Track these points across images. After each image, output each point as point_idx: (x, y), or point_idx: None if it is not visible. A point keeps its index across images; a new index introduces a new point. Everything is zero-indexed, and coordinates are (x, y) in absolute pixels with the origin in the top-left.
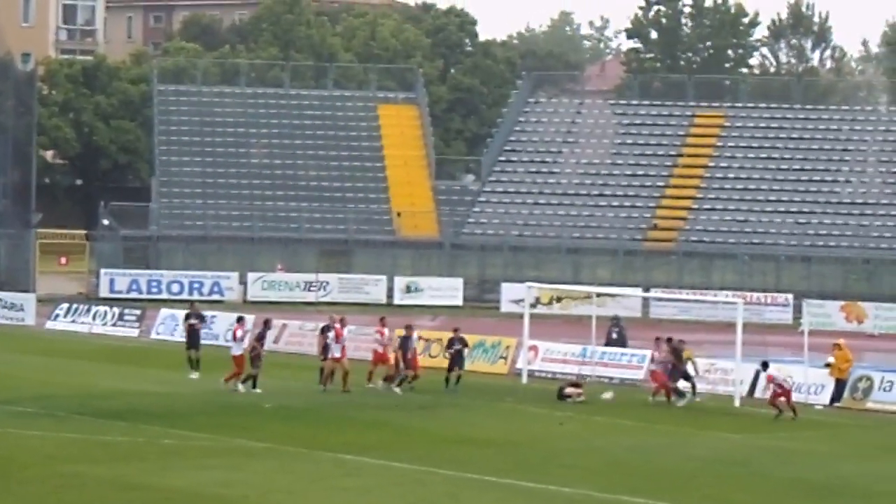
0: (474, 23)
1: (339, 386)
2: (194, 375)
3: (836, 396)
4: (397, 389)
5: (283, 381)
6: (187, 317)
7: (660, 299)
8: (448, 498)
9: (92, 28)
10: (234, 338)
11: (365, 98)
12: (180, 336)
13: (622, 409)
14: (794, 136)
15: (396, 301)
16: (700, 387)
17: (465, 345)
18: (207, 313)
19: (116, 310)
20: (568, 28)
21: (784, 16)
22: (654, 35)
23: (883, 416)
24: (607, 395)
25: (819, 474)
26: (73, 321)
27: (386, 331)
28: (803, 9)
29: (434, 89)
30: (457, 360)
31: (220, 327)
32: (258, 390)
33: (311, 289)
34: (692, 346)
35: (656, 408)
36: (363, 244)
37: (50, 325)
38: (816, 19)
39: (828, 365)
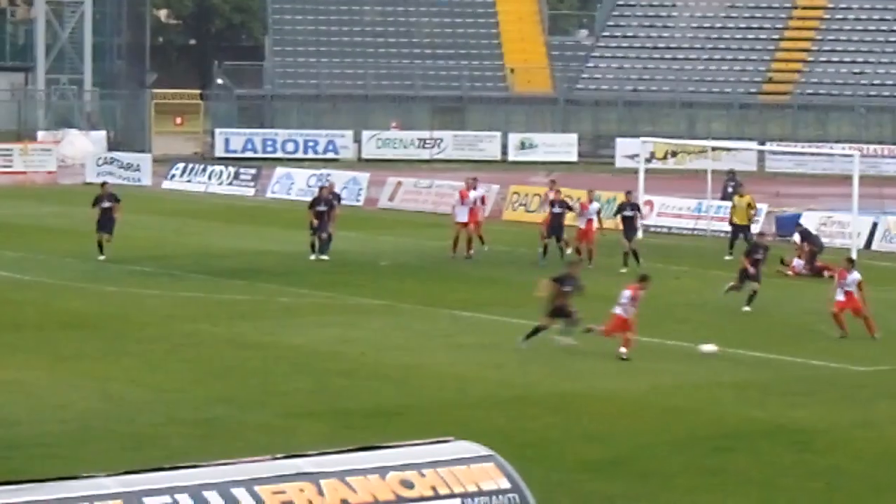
0: None
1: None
2: (102, 258)
3: None
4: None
5: (397, 238)
6: (98, 200)
7: (775, 153)
8: (564, 352)
9: None
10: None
11: None
12: (296, 195)
13: (737, 264)
14: None
15: (511, 158)
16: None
17: (638, 210)
18: (324, 171)
19: (232, 169)
20: None
21: None
22: None
23: None
24: (709, 348)
25: None
26: (188, 181)
27: (472, 193)
28: None
29: None
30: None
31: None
32: (324, 256)
33: (426, 146)
34: (808, 199)
35: (772, 262)
36: (477, 101)
37: (166, 184)
38: None
39: None
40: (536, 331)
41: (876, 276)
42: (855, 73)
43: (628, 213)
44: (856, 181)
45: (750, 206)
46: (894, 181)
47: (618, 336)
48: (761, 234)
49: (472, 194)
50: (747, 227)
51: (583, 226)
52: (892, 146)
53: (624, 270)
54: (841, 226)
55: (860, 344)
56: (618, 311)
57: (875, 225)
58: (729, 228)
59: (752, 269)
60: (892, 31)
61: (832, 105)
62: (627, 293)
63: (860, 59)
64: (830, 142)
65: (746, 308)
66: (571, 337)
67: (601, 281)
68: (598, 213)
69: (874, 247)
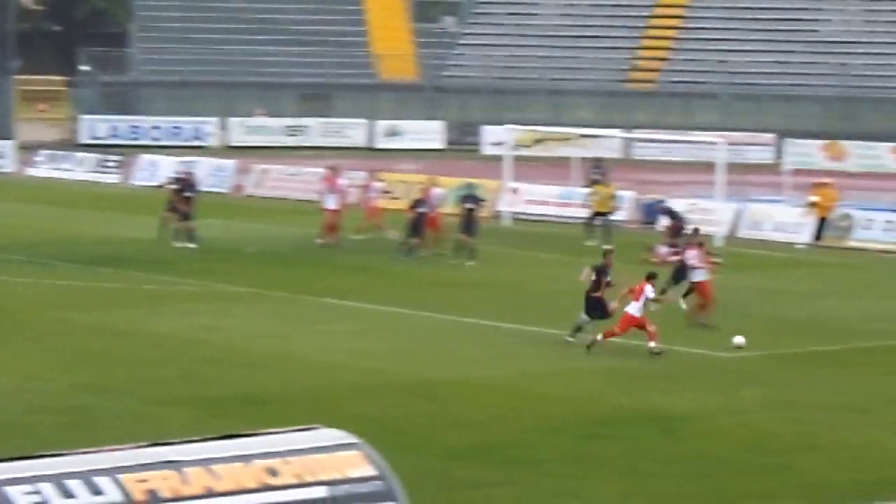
0: None
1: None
2: None
3: (818, 235)
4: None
5: (264, 225)
6: None
7: (641, 140)
8: (433, 340)
9: None
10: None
11: None
12: (162, 182)
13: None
14: None
15: (377, 145)
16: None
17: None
18: (191, 159)
19: (97, 156)
20: None
21: None
22: None
23: (863, 254)
24: (739, 340)
25: (800, 312)
26: (54, 168)
27: (436, 190)
28: None
29: None
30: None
31: (201, 173)
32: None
33: (292, 133)
34: (673, 186)
35: (637, 250)
36: (343, 88)
37: (31, 171)
38: None
39: (812, 204)
40: (579, 328)
41: (740, 262)
42: (719, 61)
43: (469, 204)
44: (721, 168)
45: (612, 196)
46: (759, 168)
47: (618, 334)
48: (695, 230)
49: (340, 182)
50: (607, 215)
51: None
52: (756, 133)
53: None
54: (706, 213)
55: (727, 331)
56: (630, 310)
57: (740, 212)
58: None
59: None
60: (757, 18)
61: (697, 92)
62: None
63: (725, 47)
64: (696, 129)
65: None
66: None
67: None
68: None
69: (739, 234)
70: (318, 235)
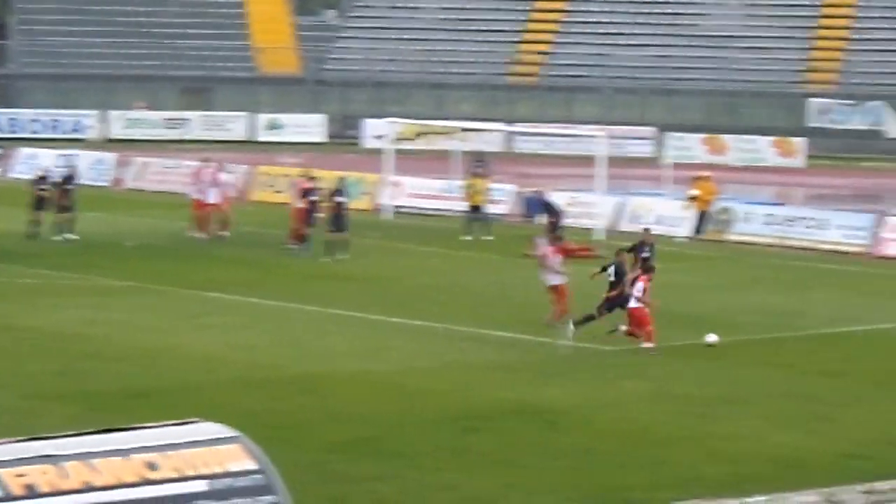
0: None
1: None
2: None
3: (699, 228)
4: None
5: (144, 218)
6: None
7: (523, 134)
8: (314, 333)
9: None
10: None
11: None
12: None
13: (488, 245)
14: None
15: (259, 138)
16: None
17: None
18: (70, 152)
19: None
20: None
21: None
22: None
23: (743, 247)
24: (712, 338)
25: (680, 306)
26: None
27: (223, 175)
28: None
29: None
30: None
31: (81, 166)
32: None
33: (173, 126)
34: (555, 179)
35: (518, 243)
36: (224, 81)
37: None
38: None
39: (692, 198)
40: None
41: None
42: (601, 55)
43: (339, 198)
44: (601, 162)
45: (486, 189)
46: (640, 162)
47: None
48: (646, 230)
49: (223, 176)
50: (481, 208)
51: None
52: (637, 127)
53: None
54: (587, 206)
55: (606, 324)
56: (636, 305)
57: (621, 205)
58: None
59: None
60: (638, 12)
61: (579, 86)
62: (640, 285)
63: (606, 41)
64: (577, 123)
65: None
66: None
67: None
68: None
69: (620, 227)
70: (190, 228)
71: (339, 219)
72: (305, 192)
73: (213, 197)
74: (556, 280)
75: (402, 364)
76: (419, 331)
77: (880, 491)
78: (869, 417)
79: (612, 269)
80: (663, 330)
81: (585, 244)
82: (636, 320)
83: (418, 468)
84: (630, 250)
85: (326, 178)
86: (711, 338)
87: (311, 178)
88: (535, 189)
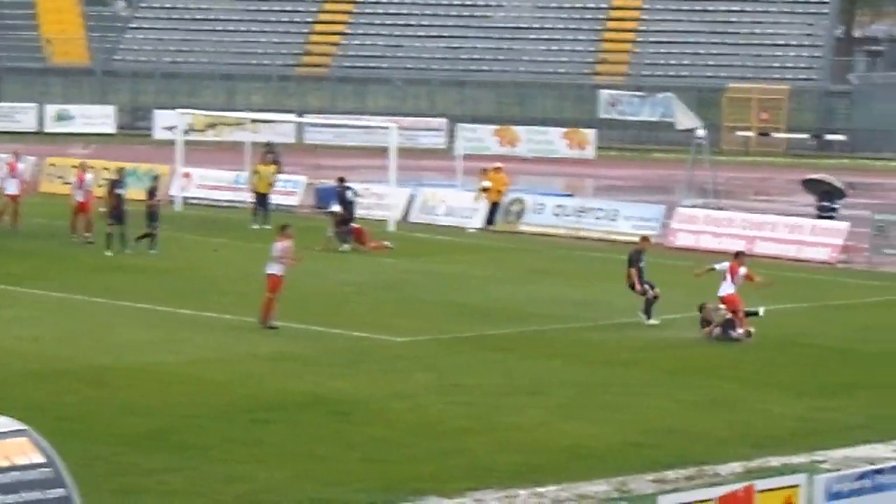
0: None
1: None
2: None
3: (490, 219)
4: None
5: None
6: None
7: (314, 125)
8: (104, 326)
9: None
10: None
11: None
12: None
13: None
14: None
15: (47, 129)
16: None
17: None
18: None
19: None
20: None
21: None
22: None
23: (535, 238)
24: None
25: (472, 297)
26: None
27: (88, 176)
28: None
29: None
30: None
31: None
32: None
33: None
34: (347, 171)
35: (309, 232)
36: (12, 72)
37: None
38: None
39: (484, 189)
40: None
41: (413, 247)
42: (392, 46)
43: (119, 190)
44: (393, 153)
45: (271, 177)
46: (432, 154)
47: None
48: (644, 238)
49: (20, 167)
50: (267, 196)
51: (81, 199)
52: (428, 119)
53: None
54: (379, 197)
55: (399, 315)
56: (732, 290)
57: (412, 196)
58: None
59: (637, 283)
60: (429, 4)
61: (370, 78)
62: (742, 270)
63: (397, 33)
64: (369, 114)
65: (653, 321)
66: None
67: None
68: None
69: (411, 218)
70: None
71: (118, 211)
72: (113, 185)
73: (11, 188)
74: (273, 269)
75: (193, 356)
76: (209, 322)
77: (671, 480)
78: (659, 406)
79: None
80: (452, 321)
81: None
82: (736, 304)
83: (209, 460)
84: (630, 264)
85: (111, 168)
86: (761, 310)
87: (88, 168)
88: (326, 181)
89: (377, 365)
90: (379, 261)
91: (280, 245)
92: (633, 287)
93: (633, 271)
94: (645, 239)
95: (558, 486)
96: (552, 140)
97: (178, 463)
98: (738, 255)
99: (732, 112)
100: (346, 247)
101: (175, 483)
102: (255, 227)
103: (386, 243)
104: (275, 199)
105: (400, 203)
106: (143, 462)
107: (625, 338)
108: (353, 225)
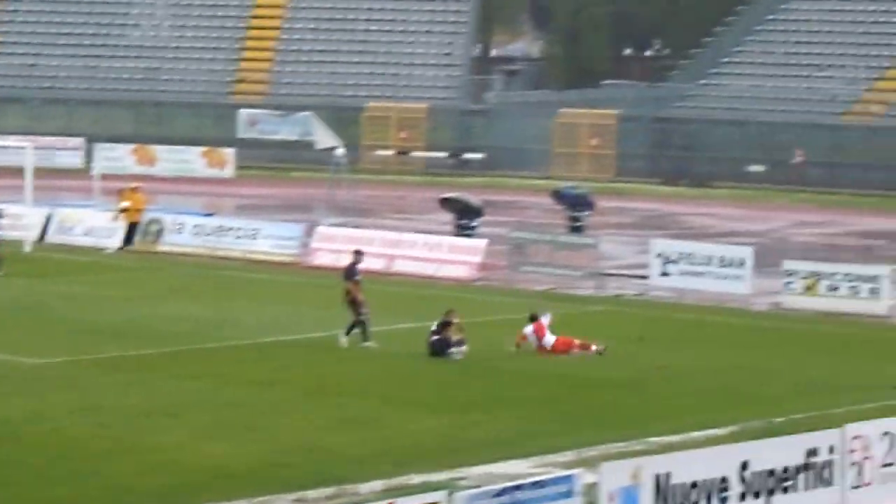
0: None
1: None
2: None
3: (129, 240)
4: None
5: None
6: None
7: None
8: None
9: None
10: None
11: None
12: None
13: None
14: None
15: None
16: None
17: None
18: None
19: None
20: None
21: None
22: None
23: (174, 258)
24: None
25: (107, 317)
26: None
27: None
28: None
29: None
30: None
31: None
32: None
33: None
34: None
35: None
36: None
37: None
38: None
39: (122, 209)
40: None
41: (49, 268)
42: (29, 65)
43: None
44: (29, 173)
45: None
46: (69, 173)
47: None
48: (358, 252)
49: None
50: None
51: None
52: (65, 138)
53: None
54: (16, 218)
55: (35, 337)
56: (553, 338)
57: (49, 216)
58: None
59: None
60: (65, 22)
61: (7, 97)
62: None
63: (33, 52)
64: (4, 133)
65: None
66: None
67: None
68: None
69: (48, 239)
70: None
71: None
72: None
73: None
74: None
75: None
76: None
77: (312, 499)
78: (298, 425)
79: None
80: (88, 342)
81: None
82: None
83: None
84: (347, 278)
85: None
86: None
87: None
88: None
89: (12, 387)
90: (14, 282)
91: None
92: (353, 302)
93: (353, 285)
94: (358, 252)
95: None
96: (190, 159)
97: None
98: (533, 319)
99: (372, 131)
100: None
101: None
102: None
103: None
104: None
105: (37, 223)
106: None
107: (263, 357)
108: None
